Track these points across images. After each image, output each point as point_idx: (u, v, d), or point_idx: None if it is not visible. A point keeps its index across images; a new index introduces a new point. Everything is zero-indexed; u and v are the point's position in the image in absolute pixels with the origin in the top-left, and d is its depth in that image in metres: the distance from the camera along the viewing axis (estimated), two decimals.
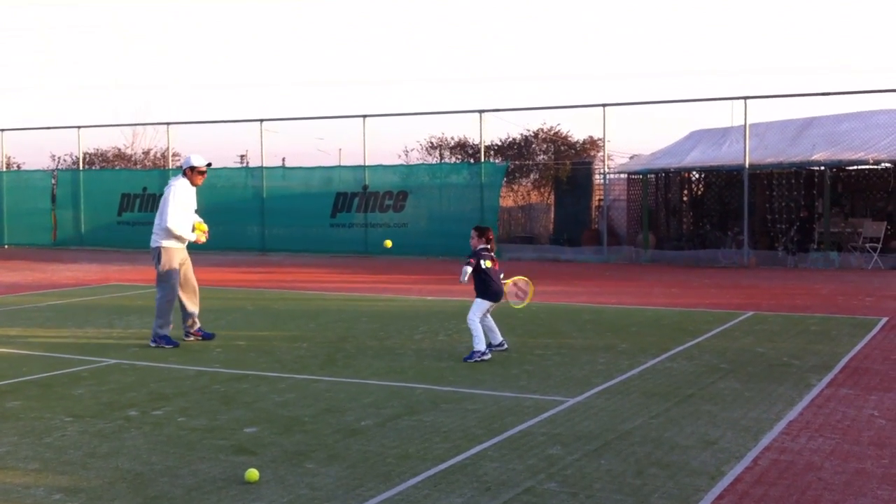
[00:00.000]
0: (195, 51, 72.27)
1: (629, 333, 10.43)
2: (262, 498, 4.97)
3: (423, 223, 21.96)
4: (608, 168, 23.14)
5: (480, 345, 8.78)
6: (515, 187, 26.26)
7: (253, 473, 5.25)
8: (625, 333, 10.42)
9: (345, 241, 22.51)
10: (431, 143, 26.92)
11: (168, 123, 25.53)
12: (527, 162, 26.06)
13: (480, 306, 8.95)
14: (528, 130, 25.87)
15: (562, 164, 24.82)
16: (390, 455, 5.72)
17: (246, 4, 73.18)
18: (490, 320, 9.14)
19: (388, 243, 11.34)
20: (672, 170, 22.64)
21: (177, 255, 9.93)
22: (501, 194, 22.80)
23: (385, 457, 5.69)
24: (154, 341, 9.77)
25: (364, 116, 22.78)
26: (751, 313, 11.97)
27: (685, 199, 24.74)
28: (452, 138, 26.72)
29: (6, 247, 25.45)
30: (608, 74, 74.01)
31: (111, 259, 21.26)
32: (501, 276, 9.20)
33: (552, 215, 25.56)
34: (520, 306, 9.82)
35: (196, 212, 10.22)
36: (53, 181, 25.97)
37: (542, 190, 26.35)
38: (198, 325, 10.13)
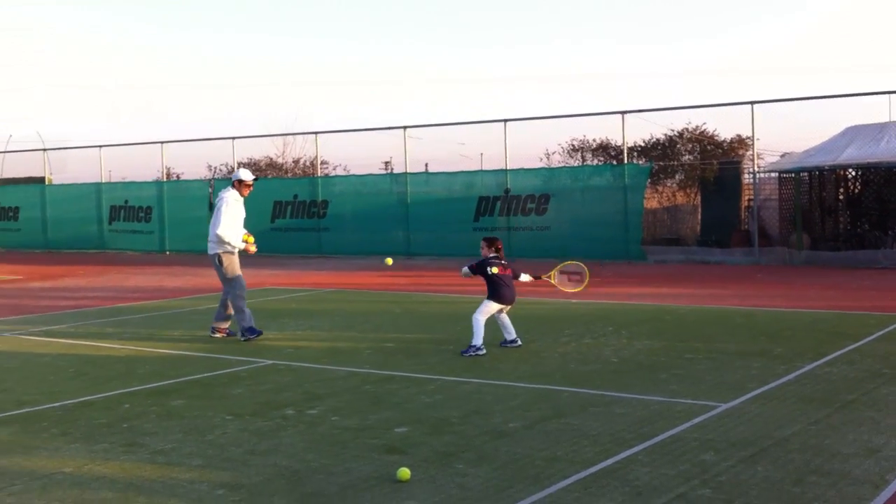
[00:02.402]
0: (339, 61, 74.19)
1: (784, 337, 10.07)
2: (413, 497, 5.06)
3: (565, 226, 21.80)
4: (758, 167, 22.41)
5: (478, 340, 9.38)
6: (660, 188, 25.75)
7: (404, 472, 5.35)
8: (779, 337, 10.07)
9: None
10: (573, 145, 26.73)
11: (316, 133, 26.29)
12: (671, 162, 25.53)
13: (486, 306, 9.66)
14: (673, 130, 25.33)
15: (708, 164, 24.19)
16: (539, 457, 5.73)
17: (385, 12, 74.59)
18: (506, 319, 9.79)
19: (389, 261, 12.56)
20: (826, 167, 21.70)
21: (235, 257, 10.78)
22: (645, 196, 22.40)
23: (534, 459, 5.70)
24: (243, 336, 10.53)
25: (505, 121, 22.82)
26: None
27: (841, 197, 23.69)
28: (594, 140, 26.46)
29: (168, 253, 26.76)
30: (756, 70, 71.71)
31: (265, 264, 22.05)
32: (513, 280, 9.92)
33: (699, 216, 24.93)
34: (577, 289, 10.42)
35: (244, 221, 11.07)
36: (210, 190, 27.11)
37: (687, 191, 25.74)
38: (228, 325, 10.90)
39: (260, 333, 10.60)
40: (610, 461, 5.61)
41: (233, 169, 27.91)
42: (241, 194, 10.97)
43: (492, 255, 9.86)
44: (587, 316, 12.08)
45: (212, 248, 10.85)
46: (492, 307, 9.67)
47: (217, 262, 10.80)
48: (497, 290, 9.67)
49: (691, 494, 4.99)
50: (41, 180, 31.16)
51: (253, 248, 11.03)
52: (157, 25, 75.35)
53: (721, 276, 17.64)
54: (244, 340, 10.50)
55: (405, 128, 24.35)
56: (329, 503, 5.01)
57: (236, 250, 10.84)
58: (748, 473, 5.32)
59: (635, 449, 5.86)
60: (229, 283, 10.77)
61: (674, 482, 5.20)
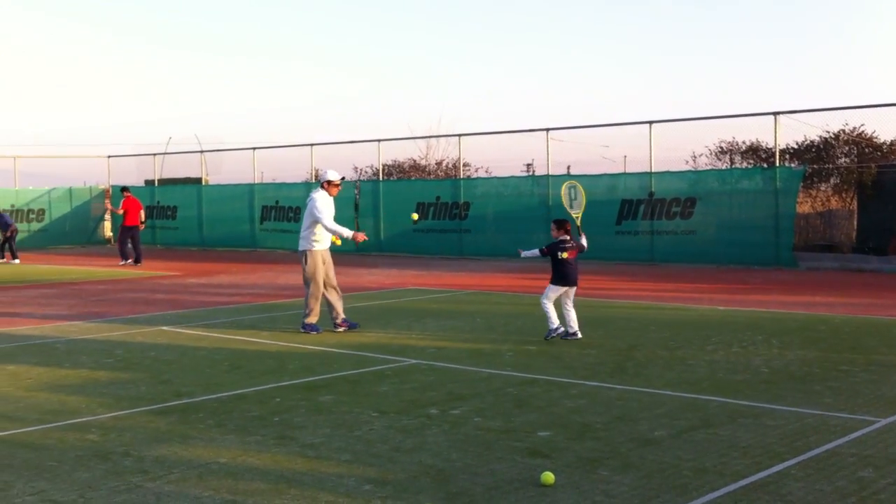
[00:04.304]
0: (483, 63, 74.56)
1: None
2: (558, 502, 5.04)
3: (711, 231, 21.24)
4: None
5: (553, 323, 10.10)
6: (813, 193, 24.74)
7: (549, 476, 5.33)
8: None
9: (630, 249, 22.25)
10: (721, 147, 26.02)
11: (459, 135, 26.51)
12: (826, 166, 24.50)
13: (552, 291, 10.24)
14: (828, 132, 24.29)
15: (866, 167, 23.10)
16: (686, 468, 5.61)
17: (529, 15, 74.50)
18: (572, 310, 10.32)
19: (415, 216, 13.80)
20: None
21: (320, 257, 11.47)
22: (798, 200, 21.58)
23: (681, 469, 5.58)
24: (303, 328, 11.43)
25: (650, 122, 22.42)
26: None
27: None
28: (744, 142, 25.67)
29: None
30: None
31: (408, 264, 22.42)
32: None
33: (855, 222, 23.83)
34: (580, 206, 11.06)
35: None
36: (356, 191, 27.79)
37: (843, 195, 24.66)
38: (342, 316, 11.59)
39: (318, 331, 11.32)
40: (761, 475, 5.43)
41: (378, 171, 28.48)
42: (330, 194, 11.59)
43: (562, 237, 10.30)
44: (735, 323, 11.73)
45: (301, 245, 11.58)
46: (558, 290, 10.24)
47: (303, 260, 11.53)
48: (565, 272, 10.22)
49: None
50: (198, 181, 32.64)
51: (339, 241, 11.76)
52: (304, 31, 77.70)
53: (878, 285, 16.81)
54: (302, 331, 11.38)
55: (548, 130, 24.26)
56: (475, 503, 5.05)
57: (328, 246, 11.57)
58: None
59: (788, 463, 5.66)
60: (308, 278, 11.49)
61: (830, 498, 5.00)
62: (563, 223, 10.46)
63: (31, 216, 32.69)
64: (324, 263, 11.53)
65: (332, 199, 11.63)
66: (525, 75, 74.55)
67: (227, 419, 7.07)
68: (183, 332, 11.71)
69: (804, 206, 24.22)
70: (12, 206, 31.45)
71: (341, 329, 11.51)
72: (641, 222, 22.14)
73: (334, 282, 11.69)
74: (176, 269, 22.35)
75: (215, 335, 11.43)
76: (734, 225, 20.84)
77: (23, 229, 30.91)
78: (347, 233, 11.48)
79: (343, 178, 11.97)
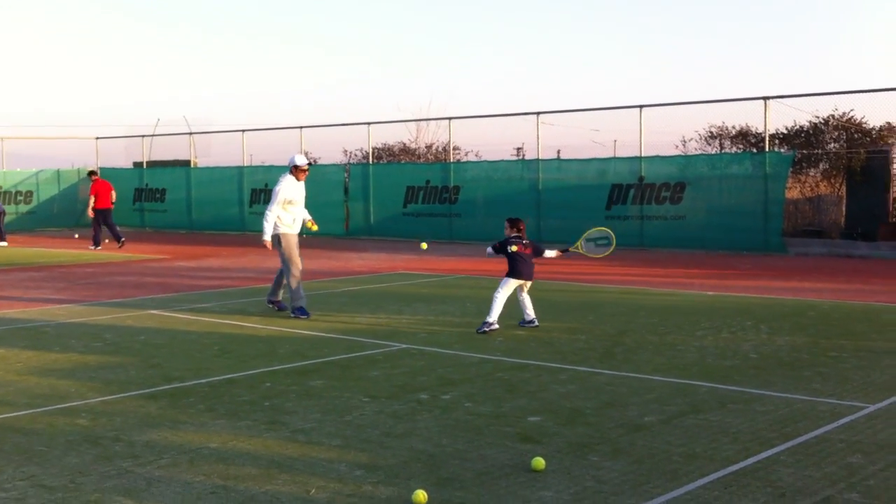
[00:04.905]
0: (473, 46, 74.33)
1: None
2: (549, 487, 5.06)
3: (701, 215, 21.29)
4: None
5: (493, 316, 10.14)
6: (802, 178, 24.77)
7: (539, 462, 5.35)
8: None
9: (620, 234, 22.08)
10: (711, 132, 26.01)
11: (450, 118, 26.45)
12: (815, 151, 24.54)
13: (507, 284, 10.32)
14: (818, 117, 24.31)
15: (855, 153, 23.13)
16: (676, 453, 5.63)
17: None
18: (526, 299, 10.44)
19: (424, 246, 13.51)
20: None
21: (293, 239, 11.64)
22: (787, 185, 21.63)
23: (671, 455, 5.60)
24: (294, 314, 11.43)
25: (640, 107, 22.42)
26: None
27: None
28: (734, 127, 25.65)
29: (304, 236, 27.41)
30: None
31: (398, 248, 22.40)
32: (533, 259, 10.54)
33: (843, 208, 23.89)
34: (605, 254, 10.99)
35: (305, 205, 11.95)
36: (346, 175, 27.71)
37: (832, 181, 24.71)
38: (279, 298, 11.99)
39: (308, 316, 11.33)
40: (751, 460, 5.46)
41: (367, 154, 28.40)
42: (298, 179, 11.75)
43: (513, 234, 10.51)
44: (725, 309, 11.77)
45: (272, 229, 11.72)
46: (511, 283, 10.32)
47: (276, 242, 11.65)
48: (516, 267, 10.35)
49: (838, 498, 4.82)
50: (187, 163, 32.51)
51: (315, 226, 12.28)
52: (294, 13, 77.28)
53: (867, 270, 16.89)
54: (293, 317, 11.35)
55: (538, 113, 24.22)
56: (465, 488, 5.06)
57: (296, 230, 11.74)
58: None
59: (778, 449, 5.69)
60: (285, 260, 11.63)
61: (819, 484, 5.03)
62: (515, 221, 10.66)
63: (19, 198, 32.52)
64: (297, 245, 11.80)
65: (300, 183, 11.79)
66: (515, 59, 74.35)
67: (218, 404, 7.06)
68: (172, 316, 11.68)
69: (793, 192, 24.26)
70: (0, 187, 31.27)
71: (271, 307, 12.00)
72: (631, 207, 22.17)
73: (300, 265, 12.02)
74: (165, 253, 22.27)
75: (205, 319, 11.41)
76: (724, 210, 20.89)
77: (10, 211, 30.76)
78: (282, 225, 11.55)
79: (309, 164, 12.10)
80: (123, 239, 23.80)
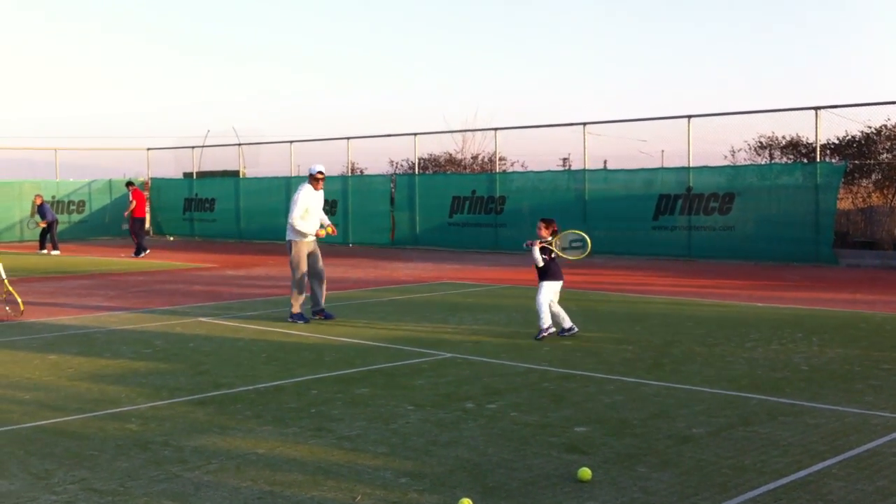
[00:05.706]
0: (520, 57, 74.34)
1: None
2: (595, 498, 5.02)
3: (750, 226, 21.03)
4: None
5: (545, 321, 10.16)
6: (854, 189, 24.38)
7: (586, 472, 5.31)
8: None
9: (667, 244, 22.11)
10: (761, 142, 25.71)
11: (496, 129, 26.45)
12: (868, 161, 24.13)
13: (548, 288, 10.30)
14: (870, 127, 23.91)
15: None
16: (725, 465, 5.56)
17: (565, 9, 74.10)
18: (558, 307, 10.33)
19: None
20: None
21: (304, 247, 11.94)
22: (839, 196, 21.29)
23: (720, 467, 5.53)
24: (291, 317, 11.75)
25: (689, 117, 22.24)
26: None
27: None
28: (784, 137, 25.33)
29: (350, 245, 27.63)
30: None
31: (443, 258, 22.42)
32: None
33: None
34: (579, 257, 10.49)
35: (325, 210, 12.37)
36: (392, 185, 27.83)
37: (885, 191, 24.28)
38: (321, 306, 12.08)
39: (307, 321, 11.67)
40: (802, 473, 5.37)
41: (413, 165, 28.51)
42: (315, 188, 12.02)
43: (548, 237, 10.46)
44: (774, 320, 11.61)
45: (287, 235, 12.08)
46: (551, 286, 10.34)
47: (288, 248, 12.01)
48: (552, 269, 10.38)
49: None
50: (235, 173, 32.88)
51: (326, 233, 12.27)
52: (345, 26, 77.96)
53: None
54: (290, 321, 11.68)
55: (584, 124, 24.12)
56: (511, 498, 5.04)
57: (307, 240, 11.95)
58: None
59: (829, 462, 5.59)
60: (292, 267, 11.97)
61: (871, 499, 4.93)
62: (550, 222, 10.60)
63: (72, 207, 33.13)
64: (309, 254, 11.99)
65: (318, 192, 12.09)
66: (562, 69, 74.19)
67: (265, 410, 7.12)
68: (221, 324, 11.80)
69: (844, 203, 23.87)
70: (53, 197, 31.89)
71: (316, 318, 11.99)
72: (679, 218, 21.96)
73: (321, 272, 12.14)
74: (214, 261, 22.54)
75: (253, 327, 11.51)
76: (774, 221, 20.62)
77: (63, 220, 31.35)
78: (308, 230, 11.88)
79: (321, 172, 12.22)
80: (147, 251, 24.25)
